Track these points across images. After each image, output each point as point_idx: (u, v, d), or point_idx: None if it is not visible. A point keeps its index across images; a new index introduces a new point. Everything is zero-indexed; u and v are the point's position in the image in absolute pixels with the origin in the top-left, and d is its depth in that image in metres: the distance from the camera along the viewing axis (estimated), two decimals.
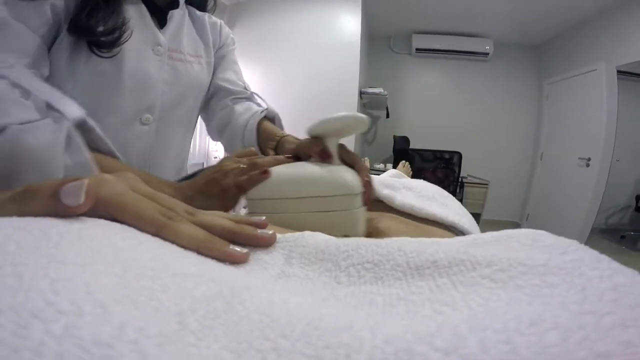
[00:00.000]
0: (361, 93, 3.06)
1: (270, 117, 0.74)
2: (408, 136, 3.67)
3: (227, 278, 0.18)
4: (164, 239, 0.22)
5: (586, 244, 0.18)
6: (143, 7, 0.60)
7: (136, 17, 0.59)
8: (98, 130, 0.41)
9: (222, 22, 0.80)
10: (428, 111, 4.07)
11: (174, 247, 0.21)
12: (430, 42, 3.78)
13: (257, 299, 0.15)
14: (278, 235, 0.26)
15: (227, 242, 0.24)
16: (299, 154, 0.48)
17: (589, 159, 3.10)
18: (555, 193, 3.55)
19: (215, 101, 0.77)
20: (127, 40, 0.55)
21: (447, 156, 3.25)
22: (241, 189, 0.41)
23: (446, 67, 3.98)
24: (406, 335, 0.12)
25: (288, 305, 0.15)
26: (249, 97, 0.78)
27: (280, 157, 0.47)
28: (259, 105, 0.77)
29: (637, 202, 3.63)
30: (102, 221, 0.20)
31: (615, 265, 0.15)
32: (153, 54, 0.61)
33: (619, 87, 2.90)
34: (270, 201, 0.40)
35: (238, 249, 0.23)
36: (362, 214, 0.41)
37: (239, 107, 0.75)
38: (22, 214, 0.18)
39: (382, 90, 3.12)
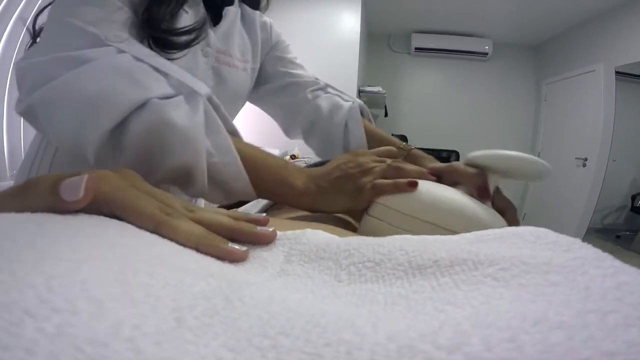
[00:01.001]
0: (360, 92, 3.05)
1: (363, 113, 0.68)
2: (406, 135, 3.67)
3: (226, 274, 0.18)
4: (163, 235, 0.22)
5: None
6: (201, 7, 0.54)
7: (193, 15, 0.53)
8: (223, 109, 0.38)
9: (272, 21, 0.73)
10: (426, 110, 4.07)
11: (172, 245, 0.21)
12: (430, 42, 3.78)
13: (257, 295, 0.15)
14: (278, 233, 0.25)
15: (226, 239, 0.23)
16: (444, 175, 0.43)
17: (585, 159, 3.11)
18: (551, 193, 3.57)
19: (287, 98, 0.70)
20: (199, 42, 0.49)
21: (444, 155, 3.25)
22: (379, 193, 0.37)
23: (445, 67, 3.98)
24: (409, 332, 0.12)
25: (288, 302, 0.15)
26: (324, 88, 0.71)
27: (426, 171, 0.41)
28: (339, 96, 0.70)
29: (632, 202, 3.65)
30: (101, 217, 0.20)
31: (618, 263, 0.15)
32: (201, 56, 0.55)
33: (616, 87, 2.91)
34: (400, 214, 0.35)
35: (237, 246, 0.23)
36: None
37: (324, 103, 0.68)
38: (21, 209, 0.18)
39: (380, 89, 3.12)
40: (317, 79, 0.72)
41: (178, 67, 0.39)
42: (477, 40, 3.74)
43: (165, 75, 0.37)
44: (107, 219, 0.20)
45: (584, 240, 0.19)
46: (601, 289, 0.13)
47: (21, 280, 0.11)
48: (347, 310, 0.16)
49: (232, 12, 0.60)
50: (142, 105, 0.33)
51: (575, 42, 3.33)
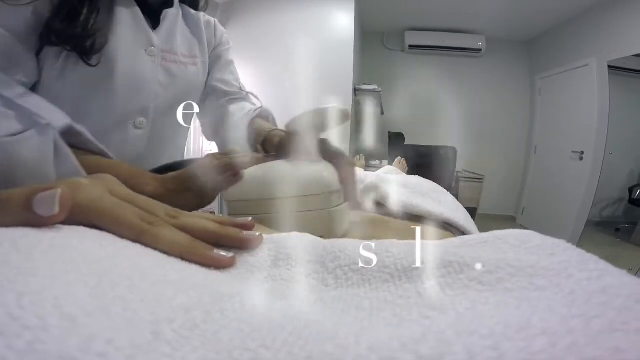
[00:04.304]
0: (356, 90, 3.05)
1: (265, 117, 0.72)
2: (403, 132, 3.68)
3: (210, 285, 0.18)
4: (146, 245, 0.21)
5: (581, 236, 0.17)
6: (136, 9, 0.58)
7: (129, 18, 0.57)
8: (87, 133, 0.40)
9: (216, 20, 0.78)
10: (422, 107, 4.07)
11: (155, 254, 0.21)
12: (423, 39, 3.78)
13: (239, 307, 0.14)
14: (265, 236, 0.25)
15: (212, 246, 0.23)
16: (283, 150, 0.47)
17: (582, 153, 3.12)
18: (550, 186, 3.57)
19: (210, 102, 0.76)
20: (103, 47, 0.53)
21: (442, 152, 3.25)
22: (218, 190, 0.41)
23: (439, 64, 3.98)
24: (391, 342, 0.12)
25: (271, 313, 0.14)
26: (245, 98, 0.77)
27: (260, 155, 0.45)
28: (253, 104, 0.75)
29: (630, 194, 3.65)
30: (79, 228, 0.19)
31: (602, 265, 0.15)
32: (146, 55, 0.59)
33: (610, 81, 2.92)
34: (250, 202, 0.40)
35: (223, 253, 0.22)
36: (340, 213, 0.39)
37: (233, 107, 0.73)
38: None
39: (376, 87, 3.12)
40: (241, 89, 0.78)
41: (39, 99, 0.40)
42: (471, 37, 3.74)
43: (19, 109, 0.37)
44: (86, 229, 0.20)
45: (583, 233, 0.18)
46: (586, 292, 0.13)
47: None
48: (332, 318, 0.15)
49: (172, 14, 0.65)
50: None
51: (567, 36, 3.34)
